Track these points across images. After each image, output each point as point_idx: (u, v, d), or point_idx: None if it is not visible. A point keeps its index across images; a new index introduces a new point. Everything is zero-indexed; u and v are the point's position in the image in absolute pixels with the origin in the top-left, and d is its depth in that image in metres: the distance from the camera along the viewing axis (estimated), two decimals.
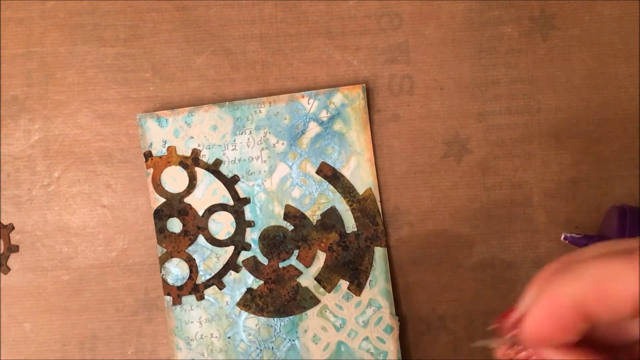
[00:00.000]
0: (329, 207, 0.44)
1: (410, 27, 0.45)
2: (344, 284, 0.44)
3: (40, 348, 0.45)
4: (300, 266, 0.44)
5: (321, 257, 0.44)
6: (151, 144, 0.44)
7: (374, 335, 0.44)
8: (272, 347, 0.44)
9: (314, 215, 0.44)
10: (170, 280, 0.44)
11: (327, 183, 0.44)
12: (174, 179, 0.45)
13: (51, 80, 0.46)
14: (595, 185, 0.44)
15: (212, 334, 0.44)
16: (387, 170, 0.45)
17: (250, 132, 0.44)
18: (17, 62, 0.46)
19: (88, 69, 0.45)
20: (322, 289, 0.44)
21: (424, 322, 0.45)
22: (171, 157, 0.44)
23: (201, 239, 0.44)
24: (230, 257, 0.44)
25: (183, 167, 0.44)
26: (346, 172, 0.44)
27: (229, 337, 0.44)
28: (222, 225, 0.44)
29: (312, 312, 0.44)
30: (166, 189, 0.44)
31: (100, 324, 0.45)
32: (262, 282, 0.44)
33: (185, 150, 0.44)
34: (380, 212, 0.44)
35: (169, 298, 0.44)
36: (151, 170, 0.44)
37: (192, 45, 0.45)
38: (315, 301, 0.44)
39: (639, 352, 0.20)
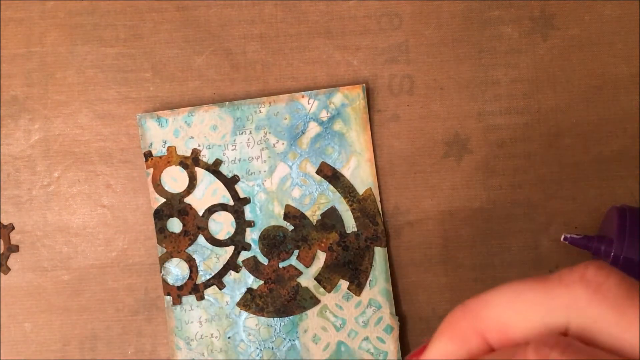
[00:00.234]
0: (329, 207, 0.44)
1: (410, 27, 0.45)
2: (344, 284, 0.44)
3: (40, 348, 0.45)
4: (300, 266, 0.44)
5: (321, 257, 0.44)
6: (151, 144, 0.44)
7: (374, 335, 0.44)
8: (272, 347, 0.44)
9: (314, 215, 0.44)
10: (170, 280, 0.44)
11: (327, 183, 0.44)
12: (174, 179, 0.45)
13: (51, 80, 0.46)
14: (595, 185, 0.44)
15: (212, 334, 0.44)
16: (387, 170, 0.45)
17: (250, 132, 0.44)
18: (17, 62, 0.46)
19: (88, 69, 0.45)
20: (322, 289, 0.44)
21: (424, 322, 0.45)
22: (171, 157, 0.44)
23: (201, 239, 0.44)
24: (230, 257, 0.44)
25: (183, 167, 0.44)
26: (346, 172, 0.44)
27: (229, 337, 0.44)
28: (222, 225, 0.44)
29: (312, 312, 0.44)
30: (166, 189, 0.44)
31: (100, 324, 0.45)
32: (262, 282, 0.44)
33: (185, 150, 0.44)
34: (380, 212, 0.44)
35: (169, 298, 0.44)
36: (151, 170, 0.44)
37: (192, 45, 0.45)
38: (315, 301, 0.44)
39: None
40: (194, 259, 0.44)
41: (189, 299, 0.44)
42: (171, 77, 0.45)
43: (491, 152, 0.45)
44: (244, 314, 0.44)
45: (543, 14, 0.45)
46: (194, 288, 0.44)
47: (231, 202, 0.44)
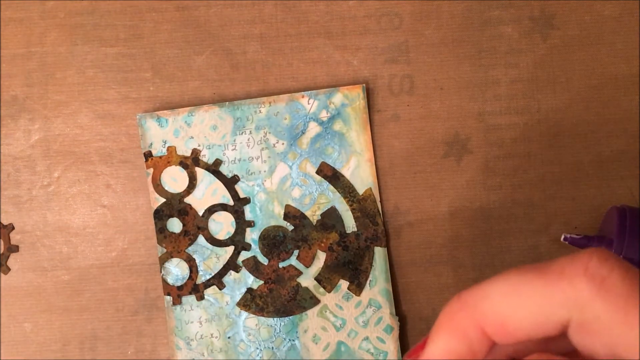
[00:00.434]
0: (329, 207, 0.44)
1: (410, 27, 0.45)
2: (344, 284, 0.44)
3: (40, 348, 0.45)
4: (300, 266, 0.44)
5: (321, 257, 0.44)
6: (151, 144, 0.44)
7: (374, 335, 0.44)
8: (272, 347, 0.44)
9: (314, 215, 0.44)
10: (170, 280, 0.44)
11: (327, 183, 0.44)
12: (174, 179, 0.45)
13: (51, 80, 0.46)
14: (595, 185, 0.44)
15: (212, 334, 0.44)
16: (387, 170, 0.45)
17: (250, 132, 0.44)
18: (17, 62, 0.46)
19: (88, 69, 0.45)
20: (322, 289, 0.44)
21: (424, 322, 0.45)
22: (171, 157, 0.44)
23: (201, 239, 0.44)
24: (230, 257, 0.44)
25: (183, 167, 0.44)
26: (346, 172, 0.44)
27: (229, 337, 0.44)
28: (222, 225, 0.44)
29: (312, 312, 0.44)
30: (166, 189, 0.44)
31: (100, 324, 0.45)
32: (262, 282, 0.44)
33: (185, 150, 0.44)
34: (380, 212, 0.44)
35: (169, 298, 0.44)
36: (151, 170, 0.44)
37: (192, 45, 0.45)
38: (315, 301, 0.44)
39: None
40: (194, 259, 0.44)
41: (189, 299, 0.44)
42: (171, 77, 0.45)
43: (491, 152, 0.45)
44: (244, 314, 0.44)
45: (543, 14, 0.45)
46: (194, 288, 0.44)
47: (231, 202, 0.44)
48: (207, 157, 0.44)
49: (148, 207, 0.45)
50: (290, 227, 0.44)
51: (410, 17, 0.45)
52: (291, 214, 0.44)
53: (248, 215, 0.44)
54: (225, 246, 0.44)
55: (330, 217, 0.44)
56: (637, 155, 0.44)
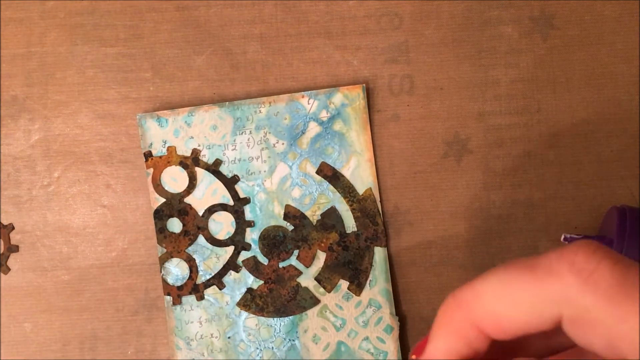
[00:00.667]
0: (329, 207, 0.44)
1: (410, 27, 0.45)
2: (344, 284, 0.44)
3: (40, 348, 0.45)
4: (300, 266, 0.44)
5: (321, 257, 0.44)
6: (151, 144, 0.44)
7: (374, 335, 0.44)
8: (272, 347, 0.44)
9: (314, 215, 0.44)
10: (170, 280, 0.44)
11: (327, 183, 0.44)
12: (174, 179, 0.45)
13: (51, 80, 0.46)
14: (595, 185, 0.44)
15: (212, 334, 0.44)
16: (387, 170, 0.45)
17: (250, 132, 0.44)
18: (17, 62, 0.46)
19: (88, 69, 0.45)
20: (322, 289, 0.44)
21: (424, 322, 0.45)
22: (171, 157, 0.44)
23: (201, 239, 0.44)
24: (230, 257, 0.44)
25: (183, 167, 0.44)
26: (346, 172, 0.44)
27: (229, 337, 0.44)
28: (222, 225, 0.44)
29: (312, 312, 0.44)
30: (166, 189, 0.44)
31: (100, 324, 0.45)
32: (262, 282, 0.44)
33: (185, 150, 0.44)
34: (380, 212, 0.44)
35: (169, 298, 0.44)
36: (151, 170, 0.44)
37: (192, 45, 0.45)
38: (315, 301, 0.44)
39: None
40: (194, 259, 0.44)
41: (189, 299, 0.44)
42: (171, 77, 0.45)
43: (491, 152, 0.45)
44: (244, 314, 0.44)
45: (543, 14, 0.45)
46: (194, 288, 0.44)
47: (231, 202, 0.44)
48: (207, 157, 0.44)
49: (148, 207, 0.45)
50: (290, 227, 0.44)
51: (410, 17, 0.45)
52: (291, 214, 0.44)
53: (248, 215, 0.44)
54: (225, 246, 0.44)
55: (330, 217, 0.44)
56: (637, 155, 0.44)
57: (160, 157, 0.44)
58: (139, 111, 0.45)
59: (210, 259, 0.44)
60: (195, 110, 0.44)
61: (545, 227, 0.44)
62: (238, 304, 0.44)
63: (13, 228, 0.45)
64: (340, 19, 0.45)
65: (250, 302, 0.44)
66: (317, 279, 0.44)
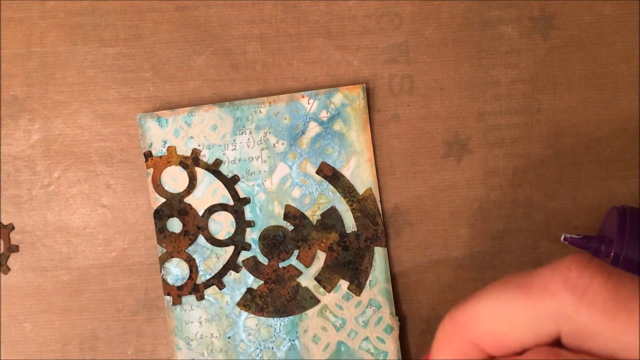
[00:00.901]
0: (329, 207, 0.44)
1: (410, 27, 0.45)
2: (344, 284, 0.44)
3: (40, 348, 0.45)
4: (300, 266, 0.44)
5: (321, 257, 0.44)
6: (151, 144, 0.44)
7: (374, 335, 0.44)
8: (272, 347, 0.44)
9: (314, 215, 0.44)
10: (170, 280, 0.44)
11: (327, 183, 0.44)
12: (174, 179, 0.45)
13: (51, 80, 0.46)
14: (595, 185, 0.44)
15: (212, 334, 0.44)
16: (387, 170, 0.45)
17: (250, 132, 0.44)
18: (17, 62, 0.46)
19: (88, 69, 0.46)
20: (322, 289, 0.44)
21: (424, 322, 0.45)
22: (171, 157, 0.44)
23: (201, 239, 0.44)
24: (230, 257, 0.44)
25: (183, 167, 0.44)
26: (346, 172, 0.44)
27: (229, 337, 0.44)
28: (222, 225, 0.44)
29: (312, 312, 0.44)
30: (166, 189, 0.44)
31: (100, 324, 0.45)
32: (262, 282, 0.44)
33: (185, 150, 0.44)
34: (380, 212, 0.44)
35: (169, 298, 0.44)
36: (151, 170, 0.44)
37: (192, 45, 0.45)
38: (315, 301, 0.44)
39: None
40: (194, 259, 0.44)
41: (189, 299, 0.44)
42: (171, 77, 0.45)
43: (491, 152, 0.45)
44: (244, 314, 0.44)
45: (543, 14, 0.45)
46: (194, 288, 0.44)
47: (231, 202, 0.44)
48: (207, 157, 0.44)
49: (148, 207, 0.45)
50: (290, 227, 0.44)
51: (410, 17, 0.45)
52: (291, 214, 0.44)
53: (248, 215, 0.44)
54: (225, 246, 0.44)
55: (330, 217, 0.44)
56: (637, 155, 0.44)
57: (160, 157, 0.44)
58: (139, 111, 0.45)
59: (210, 259, 0.44)
60: (195, 110, 0.44)
61: (545, 227, 0.44)
62: (238, 304, 0.44)
63: (13, 228, 0.45)
64: (340, 19, 0.45)
65: (250, 302, 0.44)
66: (317, 279, 0.44)
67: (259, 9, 0.45)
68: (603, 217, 0.43)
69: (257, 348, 0.44)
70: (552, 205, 0.44)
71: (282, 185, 0.44)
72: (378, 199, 0.44)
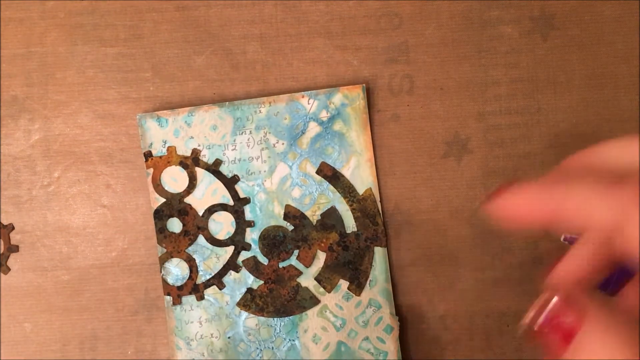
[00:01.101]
0: (329, 207, 0.44)
1: (410, 27, 0.45)
2: (344, 284, 0.44)
3: (40, 348, 0.45)
4: (300, 266, 0.44)
5: (321, 257, 0.44)
6: (151, 144, 0.44)
7: (374, 335, 0.44)
8: (272, 347, 0.44)
9: (314, 215, 0.44)
10: (170, 280, 0.44)
11: (327, 183, 0.44)
12: (174, 179, 0.45)
13: (51, 80, 0.46)
14: None
15: (212, 334, 0.44)
16: (387, 170, 0.45)
17: (250, 132, 0.44)
18: (17, 62, 0.46)
19: (88, 69, 0.45)
20: (322, 289, 0.44)
21: (424, 322, 0.45)
22: (171, 157, 0.44)
23: (201, 239, 0.44)
24: (230, 257, 0.44)
25: (183, 167, 0.44)
26: (346, 172, 0.44)
27: (229, 337, 0.44)
28: (222, 225, 0.44)
29: (312, 312, 0.44)
30: (166, 189, 0.44)
31: (100, 324, 0.45)
32: (262, 282, 0.44)
33: (185, 150, 0.44)
34: (380, 212, 0.44)
35: (169, 298, 0.44)
36: (151, 170, 0.44)
37: (192, 45, 0.45)
38: (315, 301, 0.44)
39: None
40: (194, 259, 0.44)
41: (189, 299, 0.44)
42: (171, 77, 0.45)
43: (491, 152, 0.45)
44: (244, 314, 0.44)
45: (543, 14, 0.45)
46: (194, 288, 0.44)
47: (231, 202, 0.44)
48: (207, 157, 0.44)
49: (148, 207, 0.45)
50: (290, 227, 0.44)
51: (410, 17, 0.45)
52: (291, 214, 0.44)
53: (248, 215, 0.44)
54: (225, 246, 0.44)
55: (330, 217, 0.44)
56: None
57: (160, 157, 0.44)
58: (139, 111, 0.45)
59: (210, 259, 0.44)
60: (195, 110, 0.44)
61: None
62: (238, 304, 0.44)
63: (13, 228, 0.45)
64: (340, 19, 0.45)
65: (250, 302, 0.44)
66: (317, 279, 0.44)
67: (259, 9, 0.45)
68: None
69: (257, 348, 0.44)
70: None
71: (282, 185, 0.44)
72: (378, 199, 0.44)
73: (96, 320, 0.45)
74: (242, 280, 0.44)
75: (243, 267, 0.44)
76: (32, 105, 0.46)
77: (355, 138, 0.44)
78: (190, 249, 0.44)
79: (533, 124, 0.45)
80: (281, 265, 0.44)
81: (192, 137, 0.44)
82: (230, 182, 0.44)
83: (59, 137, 0.45)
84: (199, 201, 0.44)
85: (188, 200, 0.44)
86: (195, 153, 0.44)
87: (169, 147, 0.44)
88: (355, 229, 0.44)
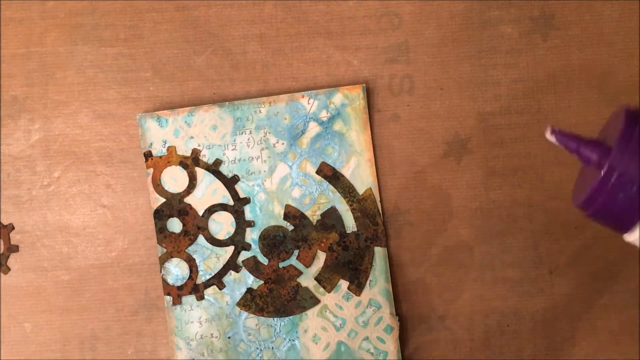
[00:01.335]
0: (329, 207, 0.44)
1: (410, 27, 0.45)
2: (344, 284, 0.44)
3: (40, 348, 0.45)
4: (300, 266, 0.44)
5: (321, 257, 0.44)
6: (151, 144, 0.44)
7: (374, 335, 0.44)
8: (272, 347, 0.44)
9: (314, 215, 0.44)
10: (170, 280, 0.44)
11: (327, 183, 0.44)
12: (174, 179, 0.45)
13: (51, 80, 0.46)
14: None
15: (212, 334, 0.44)
16: (387, 170, 0.45)
17: (250, 132, 0.44)
18: (17, 62, 0.46)
19: (88, 69, 0.46)
20: (322, 289, 0.44)
21: (424, 322, 0.45)
22: (171, 157, 0.44)
23: (201, 239, 0.44)
24: (230, 257, 0.44)
25: (183, 167, 0.44)
26: (346, 172, 0.44)
27: (229, 337, 0.44)
28: (222, 225, 0.44)
29: (312, 312, 0.44)
30: (166, 189, 0.44)
31: (100, 324, 0.45)
32: (262, 282, 0.44)
33: (185, 150, 0.44)
34: (380, 212, 0.44)
35: (169, 298, 0.44)
36: (151, 170, 0.44)
37: (192, 45, 0.45)
38: (315, 301, 0.44)
39: None
40: (194, 259, 0.44)
41: (189, 299, 0.44)
42: (171, 77, 0.45)
43: (491, 152, 0.45)
44: (244, 314, 0.44)
45: (543, 14, 0.45)
46: (194, 288, 0.44)
47: (231, 202, 0.44)
48: (207, 157, 0.44)
49: (148, 207, 0.45)
50: (290, 227, 0.44)
51: (410, 17, 0.45)
52: (291, 214, 0.44)
53: (248, 215, 0.44)
54: (225, 246, 0.44)
55: (330, 217, 0.44)
56: None
57: (160, 157, 0.44)
58: (139, 111, 0.45)
59: (210, 259, 0.44)
60: (195, 110, 0.44)
61: (545, 227, 0.44)
62: (238, 304, 0.44)
63: (13, 228, 0.45)
64: (340, 19, 0.45)
65: (250, 302, 0.44)
66: (317, 279, 0.44)
67: (259, 9, 0.45)
68: (607, 119, 0.35)
69: (257, 348, 0.44)
70: (552, 205, 0.44)
71: (282, 185, 0.44)
72: (378, 199, 0.44)
73: (96, 320, 0.45)
74: (242, 280, 0.44)
75: (243, 267, 0.44)
76: (32, 105, 0.46)
77: (355, 138, 0.44)
78: (190, 249, 0.44)
79: (533, 124, 0.45)
80: (281, 265, 0.44)
81: (192, 137, 0.44)
82: (230, 182, 0.44)
83: (59, 137, 0.45)
84: (199, 201, 0.44)
85: (188, 200, 0.44)
86: (195, 153, 0.44)
87: (169, 147, 0.44)
88: (355, 229, 0.44)
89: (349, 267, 0.44)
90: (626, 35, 0.45)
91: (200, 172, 0.44)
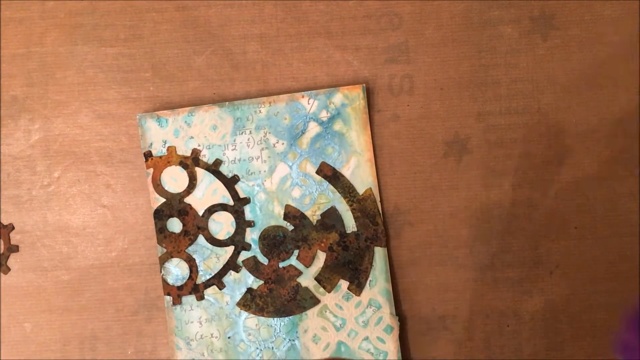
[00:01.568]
0: (329, 207, 0.44)
1: (410, 27, 0.45)
2: (344, 284, 0.44)
3: (40, 348, 0.45)
4: (300, 266, 0.44)
5: (321, 257, 0.44)
6: (151, 144, 0.44)
7: (374, 335, 0.44)
8: (272, 347, 0.44)
9: (314, 215, 0.44)
10: (170, 280, 0.44)
11: (327, 183, 0.44)
12: (174, 179, 0.45)
13: (51, 80, 0.46)
14: (595, 185, 0.44)
15: (212, 334, 0.44)
16: (387, 170, 0.45)
17: (250, 132, 0.44)
18: (17, 62, 0.46)
19: (88, 69, 0.46)
20: (322, 289, 0.44)
21: (424, 322, 0.45)
22: (171, 157, 0.44)
23: (201, 239, 0.44)
24: (230, 257, 0.44)
25: (183, 167, 0.44)
26: (346, 172, 0.44)
27: (229, 337, 0.44)
28: (222, 225, 0.44)
29: (312, 312, 0.44)
30: (166, 189, 0.44)
31: (100, 324, 0.45)
32: (262, 282, 0.44)
33: (185, 150, 0.44)
34: (380, 212, 0.44)
35: (169, 298, 0.44)
36: (151, 170, 0.44)
37: (192, 45, 0.45)
38: (315, 301, 0.44)
39: None
40: (194, 259, 0.44)
41: (189, 299, 0.44)
42: (171, 77, 0.45)
43: (491, 152, 0.45)
44: (244, 314, 0.44)
45: (543, 14, 0.45)
46: (194, 288, 0.44)
47: (231, 202, 0.44)
48: (207, 157, 0.44)
49: (148, 207, 0.45)
50: (290, 227, 0.44)
51: (410, 17, 0.45)
52: (291, 214, 0.44)
53: (248, 215, 0.44)
54: (225, 246, 0.44)
55: (330, 217, 0.44)
56: (637, 155, 0.44)
57: (160, 157, 0.44)
58: (139, 111, 0.45)
59: (210, 259, 0.44)
60: (195, 110, 0.44)
61: (545, 227, 0.44)
62: (238, 304, 0.44)
63: (13, 228, 0.45)
64: (340, 19, 0.45)
65: (250, 302, 0.44)
66: (317, 279, 0.44)
67: (259, 9, 0.45)
68: None
69: (257, 348, 0.44)
70: (551, 205, 0.44)
71: (282, 185, 0.44)
72: (378, 199, 0.44)
73: (96, 320, 0.45)
74: (242, 280, 0.44)
75: (243, 267, 0.44)
76: (32, 105, 0.46)
77: (355, 138, 0.44)
78: (190, 249, 0.44)
79: (533, 124, 0.45)
80: (281, 265, 0.44)
81: (192, 137, 0.44)
82: (230, 182, 0.44)
83: (59, 137, 0.45)
84: (199, 201, 0.44)
85: (188, 200, 0.44)
86: (195, 153, 0.44)
87: (169, 147, 0.44)
88: (355, 229, 0.44)
89: (349, 267, 0.44)
90: (626, 35, 0.45)
91: (200, 172, 0.44)
